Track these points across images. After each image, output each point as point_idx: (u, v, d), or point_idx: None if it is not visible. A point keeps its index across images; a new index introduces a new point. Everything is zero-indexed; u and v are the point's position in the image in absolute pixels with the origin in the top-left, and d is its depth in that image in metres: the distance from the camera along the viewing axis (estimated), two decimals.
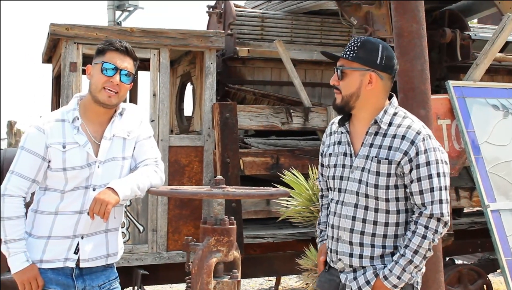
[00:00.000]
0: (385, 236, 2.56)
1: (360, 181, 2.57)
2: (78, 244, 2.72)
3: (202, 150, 5.12)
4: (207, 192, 2.62)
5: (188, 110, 6.29)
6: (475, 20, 7.81)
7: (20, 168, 2.70)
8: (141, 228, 4.94)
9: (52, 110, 5.83)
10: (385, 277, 2.51)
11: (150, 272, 4.94)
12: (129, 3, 15.28)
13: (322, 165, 2.82)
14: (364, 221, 2.57)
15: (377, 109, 2.61)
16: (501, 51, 5.56)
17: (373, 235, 2.56)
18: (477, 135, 4.73)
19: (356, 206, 2.59)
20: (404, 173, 2.52)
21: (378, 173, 2.54)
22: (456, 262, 5.64)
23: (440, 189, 2.51)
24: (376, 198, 2.55)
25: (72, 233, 2.71)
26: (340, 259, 2.63)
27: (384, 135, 2.57)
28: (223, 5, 5.90)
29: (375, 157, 2.55)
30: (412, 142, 2.52)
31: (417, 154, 2.50)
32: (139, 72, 5.84)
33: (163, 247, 4.99)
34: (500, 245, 4.42)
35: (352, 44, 2.62)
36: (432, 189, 2.50)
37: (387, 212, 2.56)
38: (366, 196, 2.56)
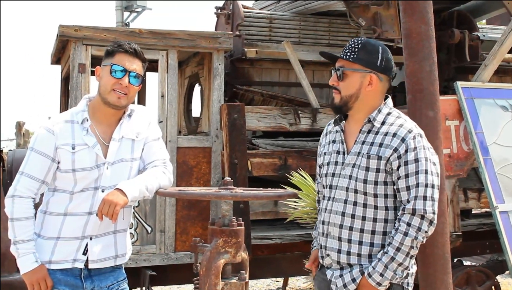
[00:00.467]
0: (373, 232, 2.56)
1: (350, 177, 2.59)
2: (87, 245, 2.73)
3: (210, 151, 5.12)
4: (215, 193, 2.63)
5: (196, 111, 6.30)
6: (484, 21, 7.79)
7: (29, 169, 2.71)
8: (149, 229, 4.95)
9: (60, 111, 5.86)
10: (369, 275, 2.52)
11: (158, 273, 4.95)
12: (137, 4, 15.29)
13: (320, 167, 2.81)
14: (353, 216, 2.58)
15: (373, 109, 2.63)
16: (510, 52, 5.53)
17: (362, 230, 2.56)
18: (486, 136, 4.71)
19: (345, 201, 2.60)
20: (392, 170, 2.53)
21: (367, 169, 2.55)
22: (465, 263, 5.63)
23: (426, 186, 2.49)
24: (365, 193, 2.56)
25: (81, 234, 2.73)
26: (328, 255, 2.64)
27: (377, 133, 2.59)
28: (231, 6, 5.91)
29: (366, 153, 2.56)
30: (403, 140, 2.53)
31: (406, 151, 2.51)
32: (148, 73, 5.85)
33: (171, 248, 4.99)
34: (508, 246, 4.40)
35: (352, 45, 2.63)
36: (417, 185, 2.49)
37: (375, 207, 2.56)
38: (355, 191, 2.57)
